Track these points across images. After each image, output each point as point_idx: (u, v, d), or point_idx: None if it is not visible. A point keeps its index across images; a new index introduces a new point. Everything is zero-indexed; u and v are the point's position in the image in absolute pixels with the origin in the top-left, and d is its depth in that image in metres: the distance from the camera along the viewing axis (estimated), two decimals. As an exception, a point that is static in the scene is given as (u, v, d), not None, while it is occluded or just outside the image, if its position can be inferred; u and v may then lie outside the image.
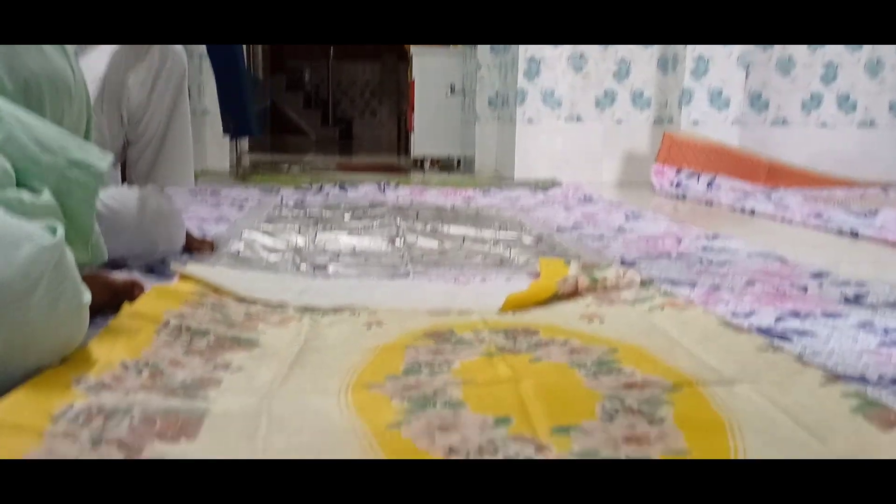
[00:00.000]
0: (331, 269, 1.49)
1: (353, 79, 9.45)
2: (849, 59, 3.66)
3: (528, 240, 1.82)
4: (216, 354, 0.92)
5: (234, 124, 3.39)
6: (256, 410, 0.74)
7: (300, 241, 1.79)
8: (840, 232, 2.07)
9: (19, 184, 0.84)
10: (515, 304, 1.17)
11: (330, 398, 0.78)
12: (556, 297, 1.21)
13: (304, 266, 1.50)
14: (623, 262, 1.53)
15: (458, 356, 0.94)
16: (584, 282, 1.25)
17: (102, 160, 0.91)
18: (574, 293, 1.23)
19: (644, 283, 1.29)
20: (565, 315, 1.14)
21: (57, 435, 0.63)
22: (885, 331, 1.07)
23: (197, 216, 2.19)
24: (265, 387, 0.82)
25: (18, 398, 0.68)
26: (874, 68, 3.67)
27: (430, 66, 4.56)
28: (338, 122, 9.29)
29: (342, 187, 3.00)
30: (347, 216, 2.26)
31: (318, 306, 1.16)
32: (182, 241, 1.52)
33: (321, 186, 3.01)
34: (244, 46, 3.84)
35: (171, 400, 0.74)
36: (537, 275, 1.38)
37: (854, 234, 2.02)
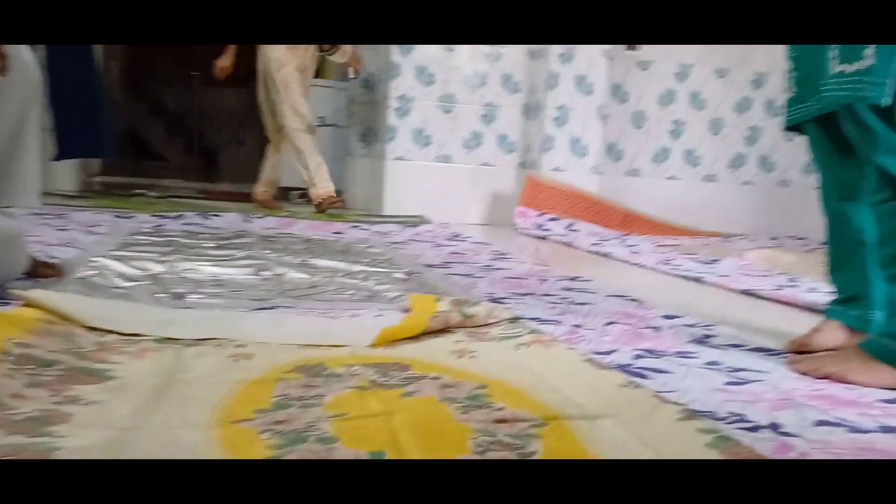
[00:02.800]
0: (192, 298, 1.43)
1: (219, 107, 9.17)
2: (694, 116, 3.98)
3: (398, 275, 1.83)
4: (66, 387, 0.85)
5: (80, 144, 3.18)
6: (117, 446, 0.68)
7: (158, 268, 1.70)
8: (687, 278, 2.22)
9: None
10: (387, 339, 1.17)
11: (198, 432, 0.74)
12: (428, 333, 1.22)
13: (161, 295, 1.43)
14: (491, 300, 1.57)
15: (330, 390, 0.92)
16: (454, 318, 1.26)
17: None
18: (445, 329, 1.24)
19: (512, 321, 1.32)
20: (436, 350, 1.15)
21: None
22: (731, 370, 1.15)
23: (42, 240, 2.03)
24: (126, 420, 0.76)
25: None
26: (716, 127, 4.01)
27: (301, 97, 4.51)
28: (203, 151, 8.97)
29: (204, 215, 2.89)
30: (210, 245, 2.18)
31: (180, 337, 1.10)
32: (24, 264, 1.40)
33: (181, 214, 2.88)
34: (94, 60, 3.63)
35: (13, 437, 0.67)
36: (408, 310, 1.38)
37: (699, 280, 2.17)
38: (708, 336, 1.37)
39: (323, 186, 3.52)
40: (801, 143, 4.28)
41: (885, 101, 1.05)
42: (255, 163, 4.05)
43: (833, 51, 1.12)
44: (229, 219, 2.87)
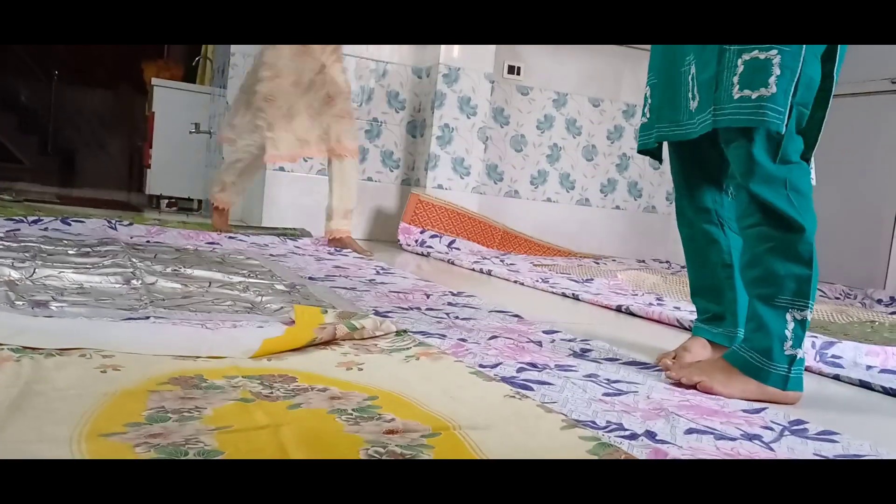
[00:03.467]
0: (53, 306, 1.32)
1: (79, 106, 8.64)
2: (570, 142, 4.14)
3: (280, 287, 1.77)
4: None
5: None
6: (-36, 464, 0.61)
7: (14, 274, 1.56)
8: (564, 295, 2.29)
9: None
10: (270, 350, 1.12)
11: (61, 448, 0.68)
12: (314, 345, 1.19)
13: (19, 302, 1.31)
14: (377, 314, 1.55)
15: (210, 403, 0.87)
16: (342, 330, 1.23)
17: None
18: (332, 341, 1.21)
19: (399, 334, 1.31)
20: (323, 362, 1.11)
21: None
22: (608, 381, 1.19)
23: None
24: (-26, 436, 0.68)
25: None
26: (589, 153, 4.19)
27: (172, 100, 4.34)
28: (59, 152, 8.41)
29: (65, 221, 2.70)
30: (72, 251, 2.03)
31: (40, 347, 1.01)
32: None
33: (39, 218, 2.67)
34: None
35: None
36: (292, 322, 1.34)
37: (575, 298, 2.25)
38: (585, 350, 1.41)
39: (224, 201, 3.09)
40: (666, 171, 4.54)
41: (782, 129, 1.12)
42: (120, 168, 3.84)
43: (704, 83, 1.19)
44: (92, 225, 2.69)
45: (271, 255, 2.52)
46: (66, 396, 0.84)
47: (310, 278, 2.04)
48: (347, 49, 3.63)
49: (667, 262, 3.96)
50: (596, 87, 4.15)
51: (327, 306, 1.52)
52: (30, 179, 5.85)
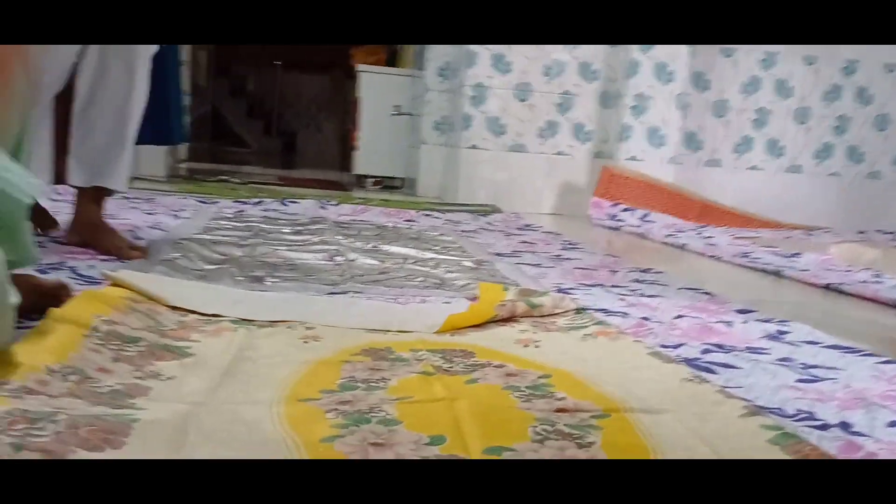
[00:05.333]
0: (268, 281, 1.48)
1: (299, 91, 9.38)
2: (779, 106, 3.84)
3: (468, 263, 1.84)
4: (147, 362, 0.90)
5: (151, 132, 3.31)
6: (184, 419, 0.72)
7: (238, 252, 1.77)
8: (765, 271, 2.16)
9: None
10: (453, 326, 1.18)
11: (262, 409, 0.78)
12: (494, 321, 1.23)
13: (240, 278, 1.48)
14: (559, 290, 1.57)
15: (395, 374, 0.94)
16: (521, 307, 1.27)
17: (34, 177, 0.89)
18: (511, 318, 1.25)
19: (579, 311, 1.32)
20: (502, 339, 1.16)
21: (-24, 438, 0.61)
22: (804, 366, 1.12)
23: (131, 223, 2.14)
24: (194, 395, 0.80)
25: (-65, 399, 0.65)
26: (802, 116, 3.86)
27: (376, 84, 4.57)
28: (281, 134, 9.20)
29: (283, 202, 2.98)
30: (287, 230, 2.24)
31: (254, 318, 1.15)
32: None
33: (261, 200, 2.97)
34: (178, 48, 3.75)
35: (97, 407, 0.72)
36: (476, 298, 1.39)
37: (778, 274, 2.11)
38: (782, 332, 1.33)
39: None
40: (892, 135, 4.08)
41: None
42: (333, 149, 4.11)
43: None
44: (306, 205, 2.94)
45: (463, 231, 2.61)
46: (272, 363, 0.95)
47: (497, 254, 2.10)
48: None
49: (891, 233, 3.56)
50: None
51: (510, 283, 1.56)
52: (256, 162, 6.47)
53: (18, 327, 0.83)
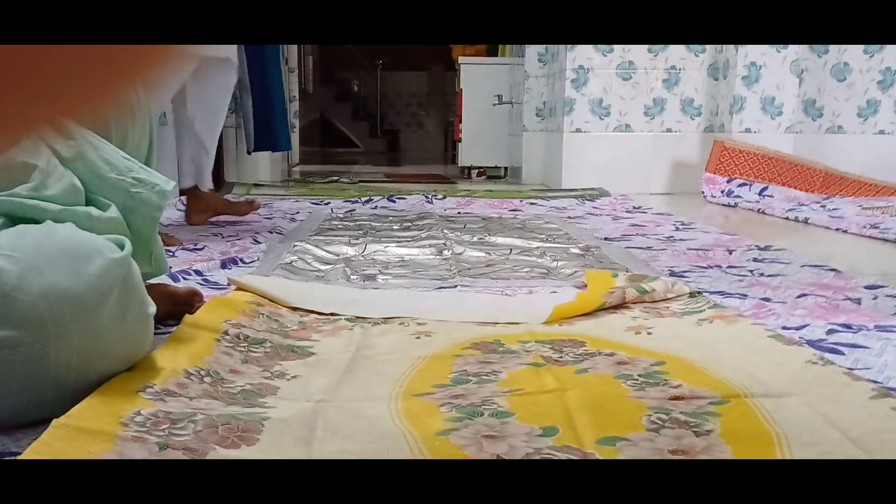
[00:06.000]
0: (380, 279, 1.53)
1: (399, 90, 9.55)
2: (908, 64, 3.57)
3: (575, 251, 1.83)
4: (273, 362, 0.95)
5: (263, 139, 3.50)
6: (312, 416, 0.77)
7: (350, 251, 1.83)
8: (897, 242, 2.02)
9: (87, 200, 0.89)
10: (562, 316, 1.19)
11: (381, 405, 0.81)
12: (604, 309, 1.22)
13: (353, 277, 1.54)
14: (671, 274, 1.53)
15: (506, 367, 0.96)
16: (631, 293, 1.25)
17: (167, 182, 0.96)
18: (621, 305, 1.24)
19: (693, 295, 1.29)
20: (612, 327, 1.15)
21: (127, 439, 0.67)
22: (942, 344, 1.05)
23: (251, 228, 2.25)
24: (319, 393, 0.85)
25: (91, 404, 0.72)
26: (934, 73, 3.57)
27: (477, 75, 4.59)
28: (385, 134, 9.41)
29: (390, 199, 3.05)
30: (396, 227, 2.30)
31: (368, 316, 1.19)
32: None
33: (370, 198, 3.06)
34: (283, 56, 3.92)
35: (231, 407, 0.78)
36: (584, 286, 1.38)
37: (912, 245, 1.97)
38: (917, 308, 1.25)
39: None
40: None
41: None
42: (437, 143, 4.15)
43: None
44: (412, 201, 3.00)
45: (569, 217, 2.59)
46: (388, 360, 0.99)
47: (605, 239, 2.07)
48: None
49: None
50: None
51: (620, 269, 1.54)
52: (363, 161, 6.65)
53: (156, 333, 0.90)
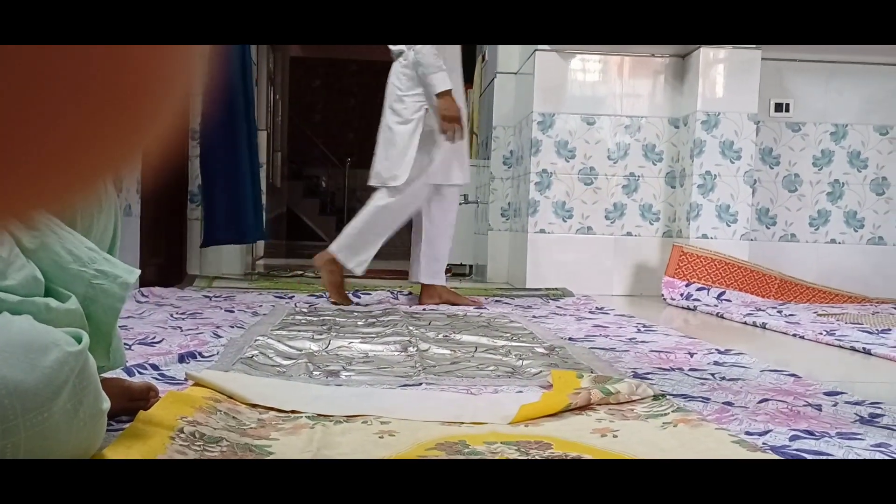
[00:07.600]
0: (343, 375, 1.50)
1: (367, 186, 9.69)
2: (855, 177, 3.75)
3: (540, 350, 1.83)
4: (229, 462, 0.92)
5: (224, 231, 3.54)
6: (268, 521, 0.73)
7: (313, 346, 1.80)
8: (853, 349, 2.06)
9: (47, 290, 0.87)
10: (528, 416, 1.17)
11: (342, 510, 0.78)
12: (569, 410, 1.21)
13: (316, 372, 1.51)
14: (635, 376, 1.53)
15: (470, 469, 0.93)
16: (596, 395, 1.25)
17: (130, 273, 0.95)
18: (587, 406, 1.23)
19: (657, 398, 1.29)
20: (578, 428, 1.14)
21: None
22: (902, 452, 1.06)
23: (211, 322, 2.22)
24: (277, 497, 0.81)
25: None
26: (879, 187, 3.75)
27: (443, 176, 4.68)
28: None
29: (356, 294, 3.04)
30: (361, 322, 2.28)
31: (330, 414, 1.16)
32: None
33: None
34: (257, 153, 3.98)
35: (183, 509, 0.74)
36: (549, 386, 1.38)
37: (867, 352, 2.01)
38: (875, 415, 1.27)
39: None
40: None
41: None
42: (404, 240, 4.18)
43: None
44: (378, 296, 2.99)
45: (534, 316, 2.60)
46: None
47: (569, 339, 2.07)
48: (601, 109, 3.69)
49: None
50: (883, 113, 3.73)
51: (584, 369, 1.54)
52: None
53: (109, 430, 0.87)
